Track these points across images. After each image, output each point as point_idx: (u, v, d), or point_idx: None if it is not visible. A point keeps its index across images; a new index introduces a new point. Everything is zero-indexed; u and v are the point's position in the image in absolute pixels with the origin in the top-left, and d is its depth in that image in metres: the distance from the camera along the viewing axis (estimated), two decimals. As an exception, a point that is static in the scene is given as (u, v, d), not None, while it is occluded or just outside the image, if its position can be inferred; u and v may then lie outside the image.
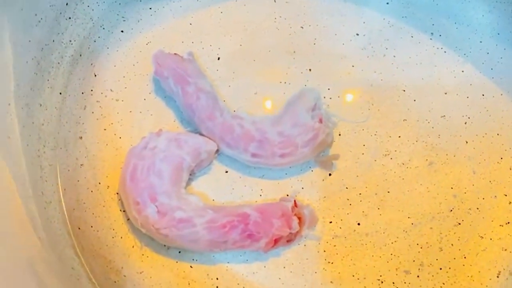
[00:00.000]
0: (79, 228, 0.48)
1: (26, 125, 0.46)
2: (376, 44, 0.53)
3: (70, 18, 0.51)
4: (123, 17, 0.54)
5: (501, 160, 0.50)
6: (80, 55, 0.52)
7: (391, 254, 0.47)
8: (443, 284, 0.47)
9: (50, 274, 0.41)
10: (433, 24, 0.53)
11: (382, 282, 0.47)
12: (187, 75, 0.49)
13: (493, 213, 0.48)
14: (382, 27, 0.53)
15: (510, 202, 0.48)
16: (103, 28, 0.53)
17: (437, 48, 0.53)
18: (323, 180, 0.49)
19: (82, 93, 0.51)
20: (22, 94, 0.46)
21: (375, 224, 0.48)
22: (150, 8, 0.54)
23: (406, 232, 0.48)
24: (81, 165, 0.49)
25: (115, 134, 0.50)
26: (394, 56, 0.52)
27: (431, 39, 0.53)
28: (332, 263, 0.47)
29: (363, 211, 0.48)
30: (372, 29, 0.53)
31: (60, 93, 0.51)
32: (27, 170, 0.45)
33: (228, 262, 0.47)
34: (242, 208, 0.46)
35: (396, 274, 0.47)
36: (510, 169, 0.49)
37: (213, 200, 0.49)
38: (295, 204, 0.47)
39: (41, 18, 0.48)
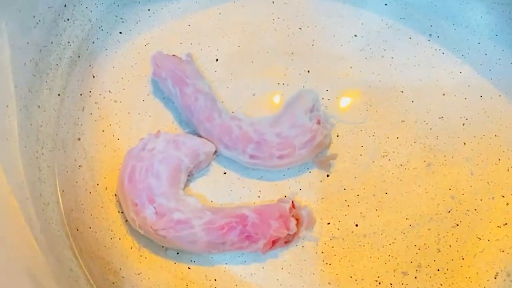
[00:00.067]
0: (77, 230, 0.48)
1: (24, 127, 0.46)
2: (374, 45, 0.53)
3: (68, 19, 0.51)
4: (121, 18, 0.54)
5: (499, 162, 0.50)
6: (79, 57, 0.52)
7: (389, 256, 0.47)
8: (441, 285, 0.47)
9: (48, 275, 0.41)
10: (431, 26, 0.53)
11: (380, 283, 0.47)
12: (186, 77, 0.49)
13: (490, 215, 0.48)
14: (380, 28, 0.53)
15: (507, 204, 0.49)
16: (102, 30, 0.53)
17: (435, 50, 0.53)
18: (321, 181, 0.49)
19: (81, 94, 0.51)
20: (20, 95, 0.46)
21: (373, 225, 0.48)
22: (149, 10, 0.54)
23: (404, 233, 0.48)
24: (79, 166, 0.49)
25: (113, 136, 0.50)
26: (392, 58, 0.53)
27: (429, 40, 0.53)
28: (330, 264, 0.47)
29: (361, 212, 0.48)
30: (370, 30, 0.53)
31: (59, 95, 0.51)
32: (25, 171, 0.45)
33: (226, 263, 0.47)
34: (240, 210, 0.46)
35: (394, 276, 0.47)
36: (508, 170, 0.49)
37: (211, 201, 0.49)
38: (293, 206, 0.47)
39: (39, 20, 0.48)
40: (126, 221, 0.47)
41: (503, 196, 0.49)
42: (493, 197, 0.49)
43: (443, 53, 0.53)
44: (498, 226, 0.48)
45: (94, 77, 0.52)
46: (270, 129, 0.48)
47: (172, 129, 0.50)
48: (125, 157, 0.47)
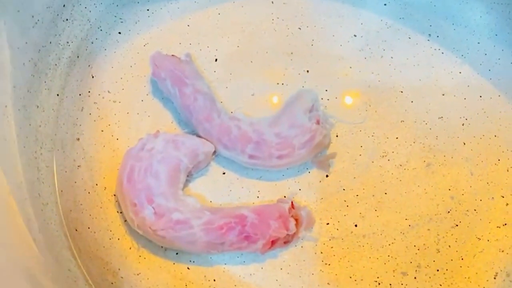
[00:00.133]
0: (76, 230, 0.48)
1: (23, 127, 0.46)
2: (373, 45, 0.53)
3: (67, 19, 0.51)
4: (120, 18, 0.54)
5: (499, 162, 0.50)
6: (78, 57, 0.52)
7: (388, 256, 0.47)
8: (440, 285, 0.47)
9: (46, 276, 0.41)
10: (430, 25, 0.53)
11: (379, 283, 0.47)
12: (185, 77, 0.49)
13: (490, 215, 0.48)
14: (379, 28, 0.53)
15: (507, 204, 0.48)
16: (101, 30, 0.53)
17: (435, 49, 0.53)
18: (320, 181, 0.49)
19: (80, 94, 0.51)
20: (19, 95, 0.46)
21: (372, 226, 0.48)
22: (148, 10, 0.54)
23: (403, 233, 0.48)
24: (78, 166, 0.49)
25: (112, 136, 0.50)
26: (392, 57, 0.52)
27: (428, 40, 0.53)
28: (329, 264, 0.47)
29: (360, 213, 0.48)
30: (369, 30, 0.53)
31: (57, 95, 0.51)
32: (24, 171, 0.45)
33: (225, 264, 0.47)
34: (239, 210, 0.46)
35: (393, 276, 0.47)
36: (508, 170, 0.49)
37: (211, 201, 0.49)
38: (292, 206, 0.47)
39: (38, 20, 0.48)
40: (125, 221, 0.47)
41: (503, 197, 0.49)
42: (492, 197, 0.49)
43: (442, 53, 0.53)
44: (497, 227, 0.48)
45: (93, 77, 0.52)
46: (269, 129, 0.48)
47: (171, 129, 0.50)
48: (124, 157, 0.47)
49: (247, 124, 0.48)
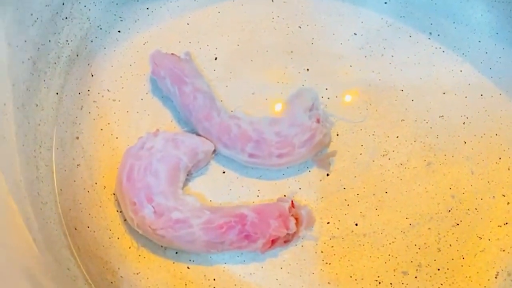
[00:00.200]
0: (75, 229, 0.48)
1: (22, 125, 0.46)
2: (374, 44, 0.53)
3: (66, 18, 0.51)
4: (120, 17, 0.54)
5: (500, 161, 0.49)
6: (77, 55, 0.52)
7: (389, 255, 0.47)
8: (441, 285, 0.46)
9: (45, 275, 0.41)
10: (431, 24, 0.53)
11: (379, 283, 0.47)
12: (184, 75, 0.49)
13: (491, 214, 0.48)
14: (380, 27, 0.53)
15: (508, 203, 0.48)
16: (100, 28, 0.53)
17: (436, 48, 0.53)
18: (320, 180, 0.49)
19: (79, 93, 0.51)
20: (18, 94, 0.46)
21: (372, 225, 0.48)
22: (147, 8, 0.54)
23: (404, 232, 0.48)
24: (77, 165, 0.49)
25: (112, 134, 0.50)
26: (392, 56, 0.52)
27: (429, 38, 0.53)
28: (329, 263, 0.47)
29: (360, 212, 0.48)
30: (370, 28, 0.53)
31: (57, 93, 0.50)
32: (23, 170, 0.45)
33: (225, 263, 0.47)
34: (239, 209, 0.46)
35: (394, 275, 0.47)
36: (509, 169, 0.49)
37: (210, 200, 0.49)
38: (293, 205, 0.46)
39: (37, 18, 0.48)
40: (125, 220, 0.47)
41: (504, 195, 0.48)
42: (493, 196, 0.48)
43: (443, 51, 0.52)
44: (498, 226, 0.48)
45: (92, 75, 0.52)
46: (269, 128, 0.48)
47: (171, 128, 0.50)
48: (124, 156, 0.47)
49: (247, 123, 0.48)
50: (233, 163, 0.49)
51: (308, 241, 0.47)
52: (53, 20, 0.50)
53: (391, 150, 0.50)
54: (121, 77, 0.52)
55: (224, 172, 0.49)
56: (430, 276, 0.47)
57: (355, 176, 0.49)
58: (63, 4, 0.50)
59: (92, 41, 0.53)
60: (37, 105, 0.48)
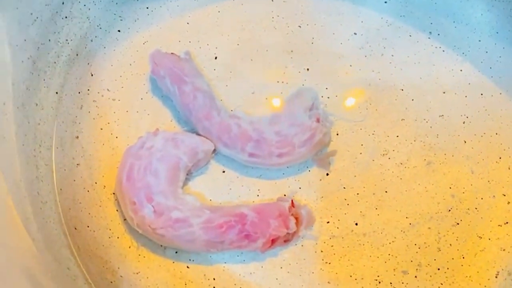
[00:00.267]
0: (75, 228, 0.48)
1: (22, 125, 0.46)
2: (374, 43, 0.53)
3: (66, 17, 0.51)
4: (120, 16, 0.53)
5: (500, 160, 0.49)
6: (77, 55, 0.52)
7: (389, 254, 0.47)
8: (441, 284, 0.46)
9: (45, 274, 0.41)
10: (431, 23, 0.53)
11: (379, 282, 0.46)
12: (184, 75, 0.49)
13: (491, 213, 0.48)
14: (380, 26, 0.53)
15: (508, 202, 0.48)
16: (100, 28, 0.53)
17: (436, 47, 0.53)
18: (320, 180, 0.49)
19: (79, 92, 0.51)
20: (17, 93, 0.45)
21: (372, 224, 0.48)
22: (147, 8, 0.54)
23: (404, 232, 0.48)
24: (77, 164, 0.49)
25: (111, 134, 0.50)
26: (392, 55, 0.52)
27: (429, 38, 0.53)
28: (329, 263, 0.47)
29: (360, 211, 0.48)
30: (370, 28, 0.53)
31: (57, 93, 0.50)
32: (23, 170, 0.44)
33: (225, 262, 0.47)
34: (239, 208, 0.46)
35: (394, 275, 0.47)
36: (509, 168, 0.49)
37: (210, 200, 0.49)
38: (292, 204, 0.46)
39: (37, 17, 0.48)
40: (125, 219, 0.47)
41: (504, 195, 0.48)
42: (494, 196, 0.48)
43: (443, 50, 0.52)
44: (499, 225, 0.48)
45: (92, 75, 0.52)
46: (269, 127, 0.48)
47: (171, 127, 0.50)
48: (124, 155, 0.47)
49: (247, 122, 0.48)
50: (233, 162, 0.49)
51: (308, 241, 0.47)
52: (53, 20, 0.50)
53: (391, 150, 0.50)
54: (121, 76, 0.52)
55: (224, 172, 0.49)
56: (430, 276, 0.47)
57: (355, 176, 0.49)
58: (62, 3, 0.50)
59: (92, 41, 0.53)
60: (37, 105, 0.48)
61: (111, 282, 0.46)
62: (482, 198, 0.48)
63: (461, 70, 0.52)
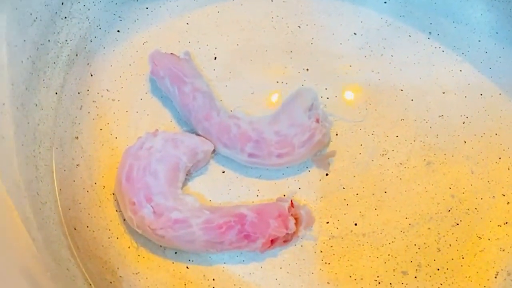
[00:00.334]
0: (74, 229, 0.48)
1: (21, 125, 0.46)
2: (373, 44, 0.53)
3: (66, 17, 0.51)
4: (119, 16, 0.53)
5: (500, 160, 0.49)
6: (76, 55, 0.52)
7: (389, 255, 0.47)
8: (441, 284, 0.46)
9: (45, 275, 0.41)
10: (431, 23, 0.53)
11: (379, 282, 0.46)
12: (184, 75, 0.49)
13: (491, 213, 0.48)
14: (379, 26, 0.53)
15: (508, 202, 0.48)
16: (100, 28, 0.53)
17: (435, 48, 0.52)
18: (320, 180, 0.49)
19: (78, 93, 0.51)
20: (17, 93, 0.45)
21: (372, 225, 0.48)
22: (147, 8, 0.54)
23: (403, 232, 0.48)
24: (77, 165, 0.49)
25: (111, 134, 0.50)
26: (392, 56, 0.52)
27: (429, 38, 0.53)
28: (329, 263, 0.47)
29: (360, 212, 0.48)
30: (369, 28, 0.53)
31: (56, 93, 0.50)
32: (22, 170, 0.44)
33: (224, 263, 0.47)
34: (239, 209, 0.46)
35: (394, 275, 0.47)
36: (509, 169, 0.49)
37: (210, 200, 0.49)
38: (292, 205, 0.46)
39: (36, 18, 0.48)
40: (124, 220, 0.47)
41: (504, 195, 0.48)
42: (493, 196, 0.48)
43: (443, 51, 0.52)
44: (498, 225, 0.48)
45: (92, 75, 0.52)
46: (269, 127, 0.48)
47: (170, 128, 0.50)
48: (123, 155, 0.47)
49: (247, 122, 0.48)
50: (232, 163, 0.49)
51: (308, 241, 0.47)
52: (52, 20, 0.50)
53: (390, 150, 0.50)
54: (120, 77, 0.52)
55: (223, 172, 0.49)
56: (430, 276, 0.47)
57: (355, 176, 0.49)
58: (62, 3, 0.50)
59: (91, 41, 0.53)
60: (36, 105, 0.48)
61: (111, 282, 0.46)
62: (482, 199, 0.48)
63: (460, 71, 0.52)
